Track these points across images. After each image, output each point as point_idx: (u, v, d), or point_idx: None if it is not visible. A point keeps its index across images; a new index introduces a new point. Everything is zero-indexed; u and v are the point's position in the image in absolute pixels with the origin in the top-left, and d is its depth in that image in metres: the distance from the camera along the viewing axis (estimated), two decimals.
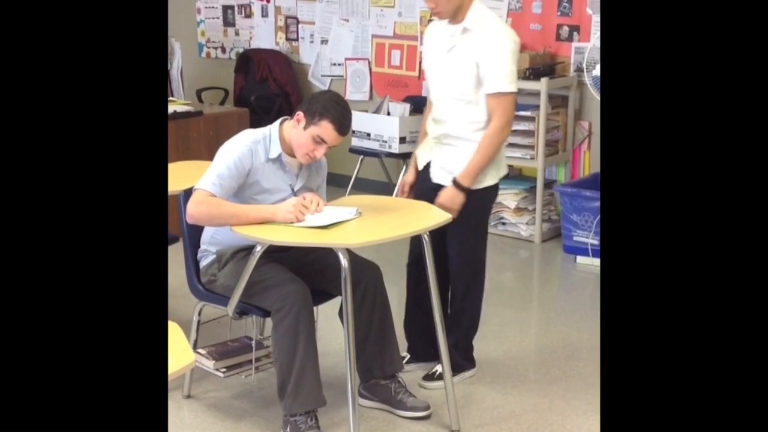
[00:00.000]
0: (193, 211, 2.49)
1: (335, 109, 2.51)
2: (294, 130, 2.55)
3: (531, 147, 4.57)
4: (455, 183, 2.77)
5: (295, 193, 2.61)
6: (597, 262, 4.18)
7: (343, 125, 2.53)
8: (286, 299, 2.47)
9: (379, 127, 5.10)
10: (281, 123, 2.62)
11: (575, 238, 4.32)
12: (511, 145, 4.65)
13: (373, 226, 2.52)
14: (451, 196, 2.77)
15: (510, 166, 4.82)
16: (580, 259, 4.27)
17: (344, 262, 2.35)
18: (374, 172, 5.45)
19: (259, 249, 2.45)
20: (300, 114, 2.53)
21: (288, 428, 2.55)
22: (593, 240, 4.24)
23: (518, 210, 4.64)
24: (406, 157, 5.09)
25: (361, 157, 5.27)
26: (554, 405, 2.84)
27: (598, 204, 4.19)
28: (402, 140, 5.03)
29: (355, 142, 5.25)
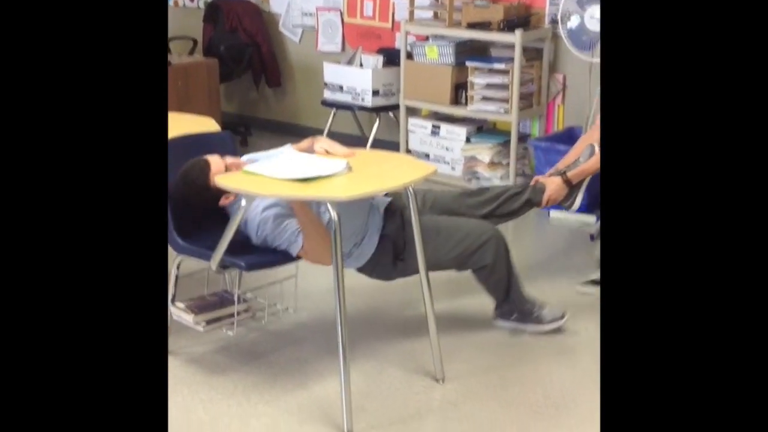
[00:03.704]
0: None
1: (199, 172, 2.60)
2: (229, 199, 2.65)
3: (505, 101, 4.56)
4: (566, 178, 3.15)
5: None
6: (570, 216, 4.21)
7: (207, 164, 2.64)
8: (482, 234, 2.82)
9: (352, 79, 5.04)
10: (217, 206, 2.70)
11: None
12: (485, 98, 4.65)
13: (360, 180, 2.50)
14: (560, 189, 3.15)
15: (484, 120, 4.84)
16: (553, 213, 4.29)
17: (333, 214, 2.34)
18: (347, 126, 5.40)
19: (244, 203, 2.43)
20: (226, 196, 2.63)
21: (514, 315, 2.97)
22: None
23: (492, 164, 4.64)
24: (379, 110, 5.06)
25: (334, 110, 5.22)
26: (525, 357, 2.88)
27: None
28: (375, 93, 4.98)
29: (327, 94, 5.19)
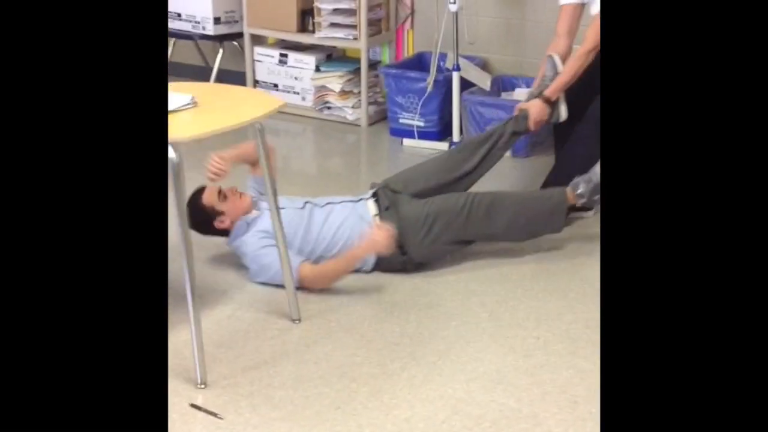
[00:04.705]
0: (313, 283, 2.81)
1: (192, 205, 2.78)
2: (224, 223, 2.92)
3: (353, 27, 4.43)
4: (545, 98, 3.19)
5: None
6: (423, 144, 4.19)
7: (202, 190, 2.91)
8: (467, 196, 2.95)
9: (191, 6, 4.73)
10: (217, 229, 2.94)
11: (401, 121, 4.29)
12: (333, 25, 4.49)
13: (205, 117, 2.31)
14: (542, 110, 3.19)
15: (333, 48, 4.69)
16: (406, 141, 4.26)
17: (174, 156, 2.14)
18: (190, 56, 5.11)
19: None
20: (218, 220, 2.91)
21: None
22: (419, 122, 4.24)
23: (343, 93, 4.53)
24: (222, 39, 4.80)
25: (174, 39, 4.90)
26: (381, 293, 2.86)
27: (422, 85, 4.16)
28: (216, 21, 4.71)
29: None
